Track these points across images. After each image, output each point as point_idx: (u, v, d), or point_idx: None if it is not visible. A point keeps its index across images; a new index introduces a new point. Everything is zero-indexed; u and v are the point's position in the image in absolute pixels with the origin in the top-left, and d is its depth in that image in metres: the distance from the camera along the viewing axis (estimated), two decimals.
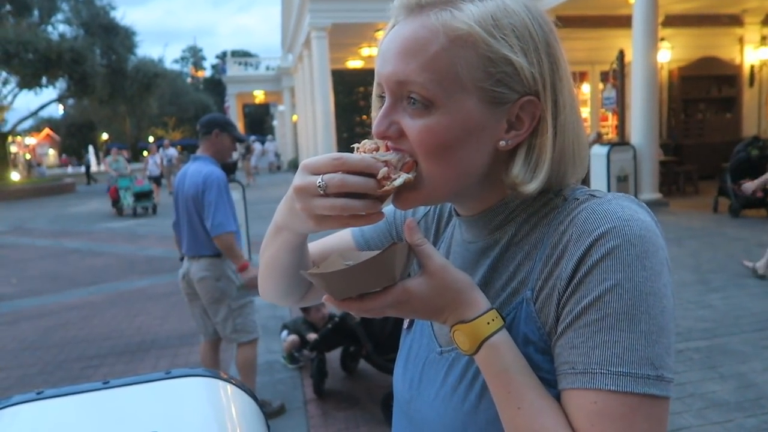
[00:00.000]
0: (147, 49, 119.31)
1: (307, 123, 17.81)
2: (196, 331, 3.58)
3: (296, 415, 3.42)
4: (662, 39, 11.26)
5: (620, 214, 0.62)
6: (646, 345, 0.58)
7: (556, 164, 0.69)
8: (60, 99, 30.10)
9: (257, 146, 27.66)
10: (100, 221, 13.56)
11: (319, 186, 0.62)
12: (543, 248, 0.68)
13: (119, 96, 27.44)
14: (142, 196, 13.99)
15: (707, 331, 4.29)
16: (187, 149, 24.08)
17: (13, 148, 33.57)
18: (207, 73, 66.81)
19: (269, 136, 32.81)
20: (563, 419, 0.61)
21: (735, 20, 13.86)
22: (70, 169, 41.04)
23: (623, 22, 10.62)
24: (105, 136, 50.21)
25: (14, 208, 18.06)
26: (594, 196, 0.68)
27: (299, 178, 0.65)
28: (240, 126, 32.77)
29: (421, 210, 0.92)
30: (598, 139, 10.90)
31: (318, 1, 13.66)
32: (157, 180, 17.01)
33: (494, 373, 0.64)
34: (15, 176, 26.16)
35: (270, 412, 3.34)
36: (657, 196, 9.80)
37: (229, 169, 16.17)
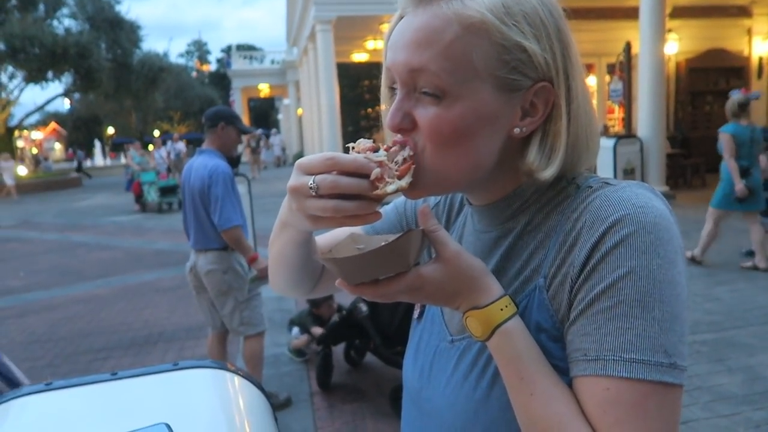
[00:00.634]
0: (152, 44, 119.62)
1: (312, 116, 17.79)
2: (203, 324, 3.59)
3: (302, 407, 3.44)
4: (669, 30, 11.17)
5: (635, 201, 0.62)
6: (660, 332, 0.58)
7: (571, 150, 0.68)
8: (66, 93, 30.21)
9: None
10: (107, 215, 13.61)
11: (311, 187, 0.61)
12: (556, 236, 0.67)
13: (125, 90, 27.50)
14: (167, 191, 13.54)
15: (715, 324, 4.27)
16: (193, 143, 24.09)
17: (20, 143, 33.70)
18: (212, 67, 66.79)
19: (274, 130, 32.80)
20: (576, 406, 0.61)
21: (743, 11, 13.73)
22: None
23: (630, 13, 10.53)
24: (111, 130, 50.35)
25: (21, 202, 18.14)
26: (608, 183, 0.68)
27: (293, 178, 0.65)
28: (245, 120, 32.77)
29: (432, 199, 0.92)
30: (604, 131, 10.85)
31: None
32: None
33: (507, 360, 0.63)
34: (22, 171, 26.26)
35: (276, 405, 3.34)
36: (664, 188, 9.74)
37: (233, 162, 16.10)
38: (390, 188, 0.62)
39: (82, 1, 26.79)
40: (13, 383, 1.24)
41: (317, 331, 3.90)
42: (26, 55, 23.05)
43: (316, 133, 16.84)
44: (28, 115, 28.63)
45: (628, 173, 9.39)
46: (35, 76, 25.29)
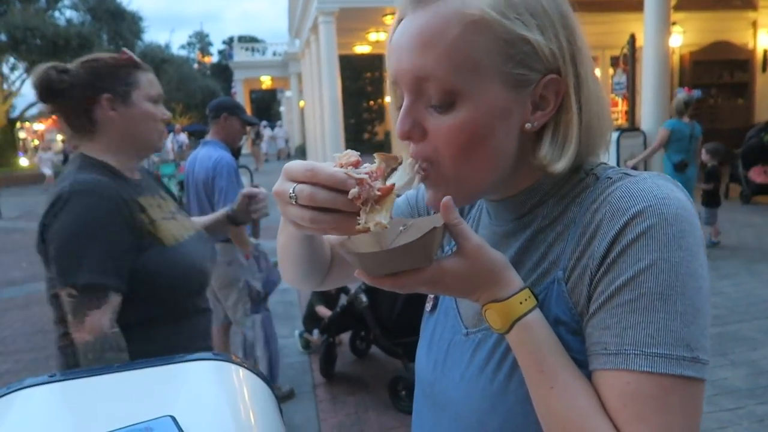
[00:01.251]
0: (154, 35, 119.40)
1: (314, 109, 17.74)
2: None
3: (305, 399, 3.44)
4: (674, 23, 11.09)
5: (656, 192, 0.61)
6: (682, 326, 0.57)
7: (585, 138, 0.67)
8: None
9: (267, 132, 27.61)
10: None
11: (290, 196, 0.60)
12: (575, 228, 0.66)
13: None
14: None
15: (718, 317, 4.27)
16: (195, 135, 24.04)
17: (22, 134, 33.71)
18: (214, 58, 66.62)
19: (279, 122, 32.74)
20: (596, 401, 0.60)
21: (748, 3, 13.63)
22: None
23: (634, 5, 10.45)
24: None
25: (24, 193, 18.17)
26: (628, 174, 0.66)
27: (278, 182, 0.63)
28: (247, 112, 32.72)
29: None
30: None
31: None
32: None
33: (526, 353, 0.62)
34: (24, 162, 26.29)
35: (279, 397, 3.34)
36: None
37: (234, 154, 16.02)
38: (372, 227, 0.59)
39: None
40: None
41: (322, 310, 3.88)
42: (28, 46, 23.03)
43: (318, 126, 16.81)
44: (29, 107, 28.59)
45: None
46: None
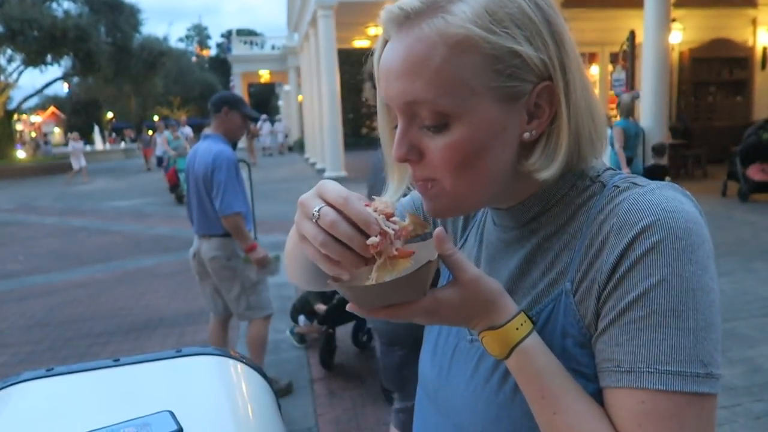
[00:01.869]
0: (152, 28, 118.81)
1: (313, 103, 17.69)
2: (204, 310, 3.59)
3: (302, 394, 3.44)
4: (674, 20, 11.08)
5: (665, 205, 0.60)
6: (695, 342, 0.56)
7: (574, 144, 0.66)
8: (65, 77, 30.08)
9: (267, 126, 27.51)
10: (107, 200, 13.59)
11: (314, 213, 0.58)
12: (582, 238, 0.65)
13: (124, 74, 27.34)
14: None
15: None
16: (193, 129, 23.96)
17: (19, 126, 33.59)
18: (212, 52, 66.44)
19: (279, 116, 32.66)
20: (604, 421, 0.59)
21: (748, 1, 13.62)
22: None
23: (634, 2, 10.43)
24: (110, 114, 50.16)
25: (21, 186, 18.12)
26: (636, 184, 0.65)
27: (307, 193, 0.62)
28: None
29: None
30: (606, 121, 10.81)
31: None
32: (163, 160, 15.78)
33: (527, 378, 0.62)
34: (21, 154, 26.20)
35: (277, 391, 3.34)
36: (665, 179, 9.74)
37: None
38: (375, 278, 0.58)
39: None
40: None
41: (321, 308, 3.89)
42: (25, 38, 22.90)
43: (317, 120, 16.76)
44: (26, 99, 28.51)
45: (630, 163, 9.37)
46: (34, 59, 25.17)
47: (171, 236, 8.55)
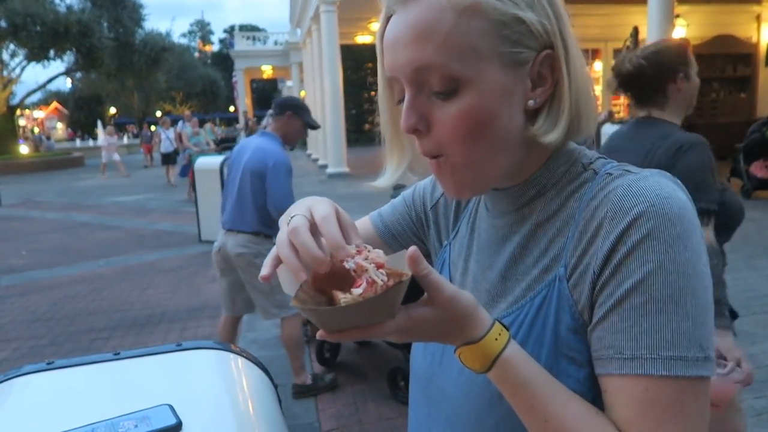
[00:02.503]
0: (154, 23, 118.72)
1: (315, 99, 17.67)
2: (205, 305, 3.59)
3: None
4: (677, 16, 11.04)
5: (658, 191, 0.60)
6: (694, 327, 0.57)
7: (574, 112, 0.67)
8: (68, 72, 30.07)
9: (270, 121, 27.42)
10: (109, 195, 13.61)
11: (290, 218, 0.61)
12: (576, 224, 0.66)
13: (127, 70, 27.41)
14: None
15: None
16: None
17: (22, 122, 33.64)
18: (215, 47, 66.40)
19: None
20: (596, 419, 0.59)
21: None
22: (78, 143, 41.12)
23: None
24: (113, 110, 50.19)
25: (23, 181, 18.15)
26: (629, 171, 0.66)
27: (300, 203, 0.64)
28: (248, 102, 32.65)
29: (438, 190, 0.90)
30: (610, 117, 10.77)
31: None
32: (169, 157, 14.77)
33: (513, 389, 0.61)
34: (24, 149, 26.24)
35: (323, 386, 3.40)
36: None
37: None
38: (342, 300, 0.55)
39: None
40: None
41: None
42: (28, 32, 22.93)
43: (319, 116, 16.74)
44: (29, 94, 28.50)
45: None
46: (37, 54, 25.17)
47: (173, 232, 8.56)
